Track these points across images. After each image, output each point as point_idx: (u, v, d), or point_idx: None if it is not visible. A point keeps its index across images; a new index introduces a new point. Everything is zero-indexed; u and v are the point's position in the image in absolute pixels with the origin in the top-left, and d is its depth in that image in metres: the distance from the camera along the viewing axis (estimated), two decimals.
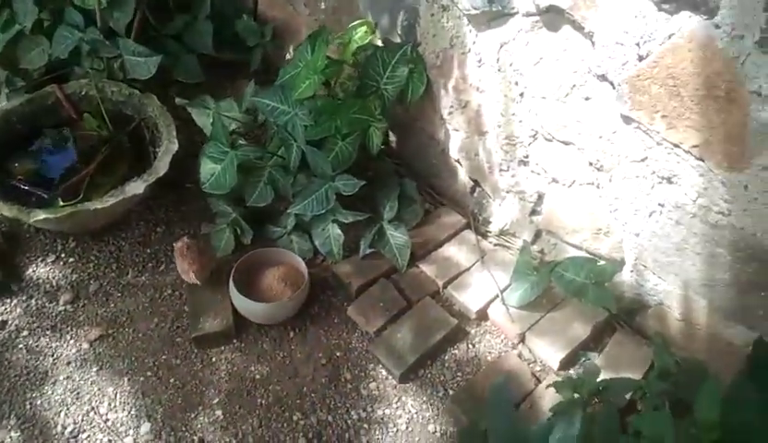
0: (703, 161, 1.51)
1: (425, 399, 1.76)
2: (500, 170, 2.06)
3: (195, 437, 1.67)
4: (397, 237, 2.01)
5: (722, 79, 1.40)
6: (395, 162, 2.30)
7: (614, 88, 1.62)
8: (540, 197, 2.00)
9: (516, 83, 1.87)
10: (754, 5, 1.28)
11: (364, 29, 2.01)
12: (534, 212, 2.05)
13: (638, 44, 1.52)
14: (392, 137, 2.42)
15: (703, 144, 1.49)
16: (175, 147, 2.10)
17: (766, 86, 1.33)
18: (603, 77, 1.65)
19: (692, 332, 1.77)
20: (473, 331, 1.92)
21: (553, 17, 1.69)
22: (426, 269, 2.03)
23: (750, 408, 1.13)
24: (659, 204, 1.67)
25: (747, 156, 1.43)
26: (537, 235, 2.07)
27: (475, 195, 2.22)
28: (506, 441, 1.19)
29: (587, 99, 1.72)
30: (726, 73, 1.38)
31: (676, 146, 1.55)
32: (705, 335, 1.74)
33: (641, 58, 1.53)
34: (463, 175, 2.22)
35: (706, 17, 1.37)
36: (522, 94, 1.87)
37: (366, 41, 2.04)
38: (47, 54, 2.41)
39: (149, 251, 2.11)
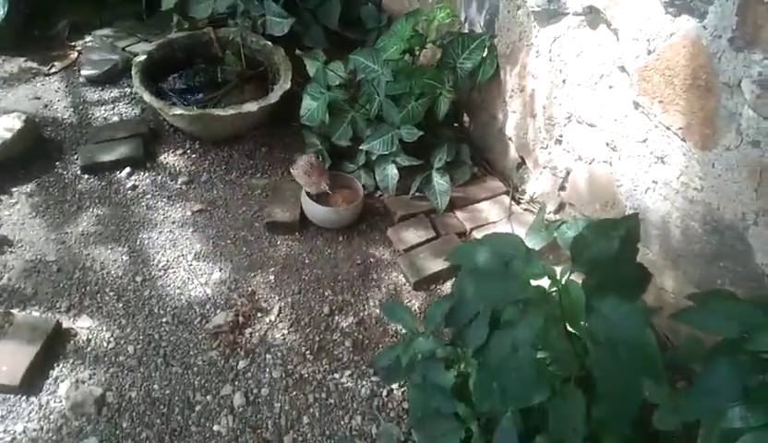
0: (685, 141, 1.82)
1: (429, 304, 2.16)
2: (541, 147, 2.42)
3: (249, 289, 2.18)
4: (441, 184, 2.43)
5: (703, 71, 1.71)
6: (460, 135, 2.72)
7: (629, 77, 1.96)
8: (568, 172, 2.34)
9: (560, 71, 2.24)
10: (731, 10, 1.61)
11: (447, 11, 2.47)
12: (562, 187, 2.39)
13: (648, 40, 1.86)
14: (466, 117, 2.84)
15: (686, 126, 1.81)
16: (288, 86, 2.67)
17: (732, 78, 1.64)
18: (622, 68, 1.99)
19: (665, 298, 2.03)
20: None
21: (593, 17, 2.07)
22: (460, 215, 2.43)
23: None
24: (653, 181, 1.98)
25: (716, 137, 1.73)
26: (561, 207, 2.41)
27: (520, 171, 2.59)
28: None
29: (610, 87, 2.07)
30: (706, 66, 1.70)
31: (668, 128, 1.87)
32: (676, 302, 2.00)
33: (649, 52, 1.87)
34: (513, 152, 2.60)
35: (698, 20, 1.70)
36: (564, 81, 2.24)
37: (447, 21, 2.49)
38: (211, 8, 3.07)
39: (251, 162, 2.67)
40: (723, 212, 1.77)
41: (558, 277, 1.18)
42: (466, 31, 2.61)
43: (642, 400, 1.17)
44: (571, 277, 1.20)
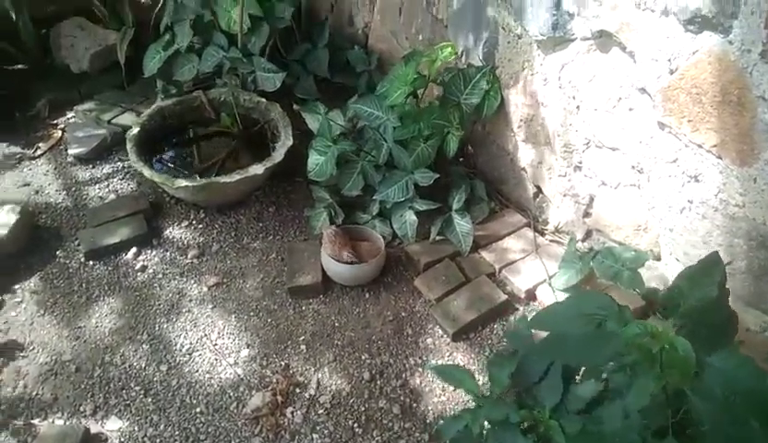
0: (721, 158, 1.77)
1: (472, 355, 2.07)
2: (559, 175, 2.37)
3: (282, 363, 2.07)
4: (462, 225, 2.35)
5: (734, 87, 1.67)
6: (470, 170, 2.65)
7: (651, 98, 1.92)
8: (591, 199, 2.28)
9: (573, 98, 2.19)
10: (758, 24, 1.56)
11: (449, 49, 2.41)
12: (586, 214, 2.33)
13: (669, 60, 1.82)
14: (471, 150, 2.78)
15: (720, 144, 1.76)
16: (290, 142, 2.58)
17: None
18: (642, 90, 1.95)
19: (746, 337, 1.95)
20: (521, 308, 2.21)
21: (604, 41, 2.02)
22: (486, 255, 2.35)
23: None
24: (688, 200, 1.92)
25: (755, 152, 1.68)
26: (588, 234, 2.35)
27: (537, 200, 2.53)
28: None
29: (630, 109, 2.02)
30: (737, 81, 1.66)
31: (699, 146, 1.82)
32: (765, 339, 1.93)
33: (671, 72, 1.82)
34: (528, 182, 2.54)
35: (722, 35, 1.66)
36: (578, 107, 2.19)
37: (450, 59, 2.43)
38: (196, 69, 2.99)
39: (261, 224, 2.57)
40: None
41: (661, 333, 1.10)
42: (464, 66, 2.56)
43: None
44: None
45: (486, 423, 1.51)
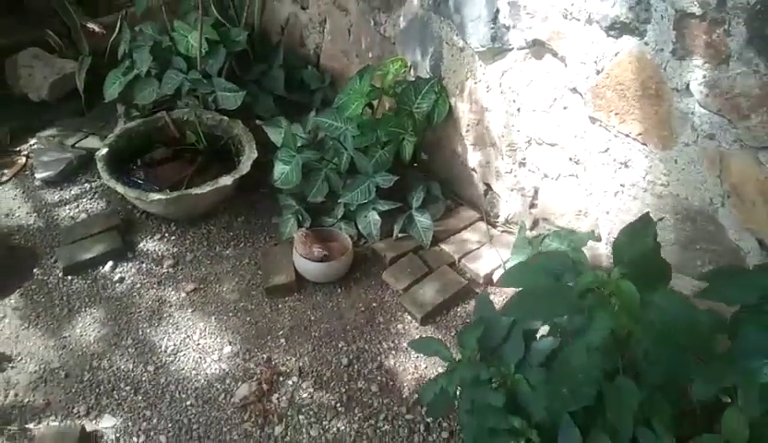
0: (646, 145, 2.04)
1: (440, 336, 2.27)
2: (505, 172, 2.61)
3: (264, 356, 2.22)
4: (423, 221, 2.57)
5: (652, 81, 1.94)
6: (424, 174, 2.87)
7: (582, 97, 2.18)
8: (536, 191, 2.53)
9: (514, 101, 2.44)
10: (668, 27, 1.84)
11: (399, 63, 2.64)
12: (532, 205, 2.58)
13: (595, 62, 2.08)
14: (425, 156, 3.00)
15: (644, 132, 2.02)
16: (255, 155, 2.75)
17: (680, 83, 1.86)
18: (574, 90, 2.21)
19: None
20: (480, 291, 2.42)
21: (538, 49, 2.28)
22: (446, 247, 2.57)
23: None
24: (621, 184, 2.18)
25: (674, 137, 1.95)
26: (535, 223, 2.59)
27: (488, 197, 2.76)
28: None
29: (565, 108, 2.28)
30: (654, 76, 1.93)
31: (627, 135, 2.08)
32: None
33: (598, 72, 2.09)
34: (478, 181, 2.77)
35: (639, 38, 1.93)
36: (518, 109, 2.44)
37: (401, 72, 2.66)
38: (156, 92, 3.12)
39: (231, 233, 2.72)
40: (692, 201, 1.98)
41: (609, 280, 1.32)
42: (413, 79, 2.79)
43: (691, 371, 1.32)
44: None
45: (464, 382, 1.69)
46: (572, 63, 2.16)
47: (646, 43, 1.91)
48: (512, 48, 2.36)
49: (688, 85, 1.85)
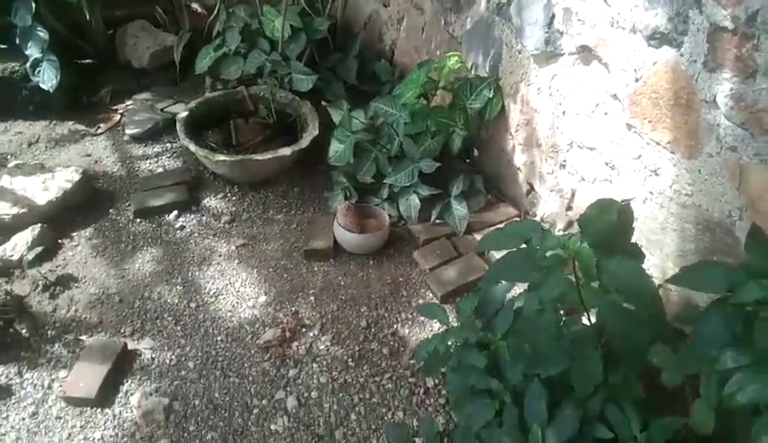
0: (674, 153, 2.09)
1: (455, 314, 2.39)
2: (547, 173, 2.70)
3: (293, 308, 2.42)
4: (459, 210, 2.70)
5: (684, 92, 2.00)
6: (473, 168, 3.00)
7: (621, 103, 2.25)
8: (573, 193, 2.61)
9: (560, 104, 2.54)
10: (702, 39, 1.90)
11: (455, 59, 2.78)
12: (568, 208, 2.65)
13: (635, 70, 2.16)
14: (476, 153, 3.13)
15: (674, 140, 2.08)
16: (316, 132, 2.97)
17: (708, 95, 1.92)
18: (615, 96, 2.28)
19: (669, 297, 2.26)
20: None
21: (586, 55, 2.37)
22: (479, 237, 2.68)
23: None
24: (650, 192, 2.24)
25: (699, 147, 2.00)
26: (570, 224, 2.66)
27: (529, 197, 2.86)
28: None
29: (606, 113, 2.35)
30: (687, 87, 1.99)
31: (657, 143, 2.14)
32: (678, 299, 2.23)
33: (636, 80, 2.16)
34: (522, 180, 2.87)
35: (676, 49, 2.00)
36: (564, 112, 2.53)
37: (457, 67, 2.80)
38: (240, 70, 3.42)
39: (285, 201, 2.96)
40: (712, 212, 2.02)
41: (571, 246, 1.43)
42: (473, 76, 2.93)
43: (648, 335, 1.40)
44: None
45: (455, 344, 1.83)
46: (615, 70, 2.24)
47: (682, 55, 1.97)
48: (564, 53, 2.46)
49: (715, 97, 1.90)
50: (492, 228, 2.73)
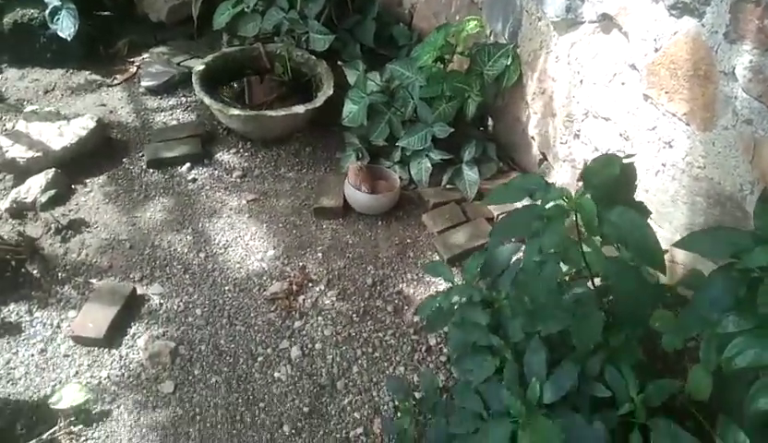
0: (689, 125, 2.08)
1: (461, 277, 2.40)
2: (560, 143, 2.69)
3: (301, 263, 2.44)
4: (470, 175, 2.70)
5: (703, 63, 1.98)
6: (486, 136, 3.00)
7: (639, 73, 2.23)
8: (585, 164, 2.59)
9: (578, 73, 2.52)
10: (724, 10, 1.88)
11: (475, 23, 2.76)
12: (581, 179, 2.64)
13: (654, 39, 2.14)
14: (491, 121, 3.12)
15: (690, 112, 2.06)
16: (331, 92, 2.97)
17: (728, 67, 1.90)
18: (633, 66, 2.26)
19: (676, 270, 2.26)
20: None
21: (606, 24, 2.35)
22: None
23: None
24: (662, 164, 2.23)
25: (715, 119, 1.98)
26: None
27: (542, 166, 2.85)
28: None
29: (623, 83, 2.33)
30: (706, 58, 1.97)
31: (673, 115, 2.13)
32: (684, 272, 2.23)
33: (656, 50, 2.14)
34: (535, 150, 2.86)
35: (698, 19, 1.97)
36: (581, 81, 2.52)
37: (476, 31, 2.78)
38: (258, 27, 3.41)
39: (297, 160, 2.97)
40: (723, 185, 2.01)
41: (573, 196, 1.45)
42: (492, 42, 2.91)
43: (651, 296, 1.41)
44: None
45: (459, 301, 1.84)
46: (634, 39, 2.22)
47: (703, 25, 1.95)
48: (584, 21, 2.44)
49: (734, 69, 1.88)
50: None
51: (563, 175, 2.72)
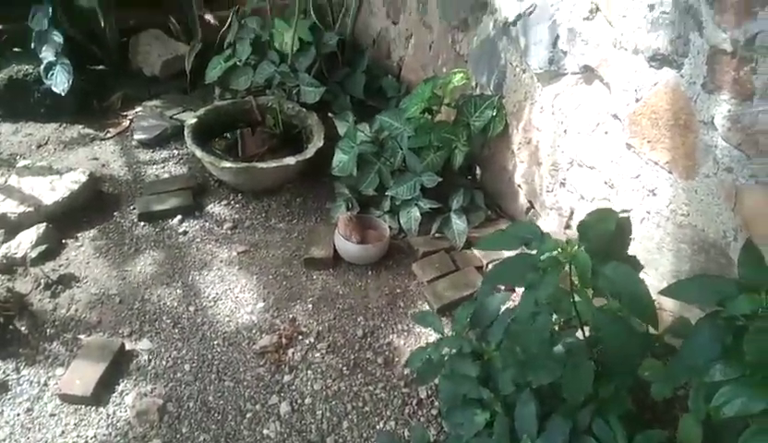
0: (671, 173, 2.11)
1: (449, 326, 2.40)
2: (547, 191, 2.72)
3: (290, 315, 2.44)
4: (458, 224, 2.72)
5: (683, 113, 2.02)
6: (474, 184, 3.03)
7: (621, 122, 2.28)
8: (572, 212, 2.63)
9: (562, 122, 2.57)
10: (702, 61, 1.93)
11: (461, 75, 2.83)
12: (567, 226, 2.67)
13: (635, 90, 2.18)
14: (478, 170, 3.16)
15: (671, 160, 2.10)
16: (321, 144, 3.02)
17: (707, 116, 1.94)
18: (615, 116, 2.31)
19: (664, 317, 2.26)
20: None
21: (588, 75, 2.41)
22: (477, 252, 2.70)
23: None
24: (647, 211, 2.25)
25: (696, 167, 2.02)
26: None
27: (529, 214, 2.88)
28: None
29: (606, 133, 2.38)
30: (685, 108, 2.01)
31: (656, 163, 2.16)
32: (672, 318, 2.23)
33: (637, 100, 2.19)
34: (522, 198, 2.89)
35: (676, 70, 2.03)
36: (565, 131, 2.56)
37: (462, 83, 2.84)
38: (250, 80, 3.48)
39: (288, 210, 2.99)
40: (707, 233, 2.03)
41: (568, 248, 1.46)
42: (478, 94, 2.96)
43: (640, 347, 1.41)
44: None
45: (445, 354, 1.84)
46: (616, 90, 2.27)
47: (682, 76, 2.00)
48: (567, 72, 2.49)
49: (713, 118, 1.92)
50: None
51: (550, 223, 2.74)
